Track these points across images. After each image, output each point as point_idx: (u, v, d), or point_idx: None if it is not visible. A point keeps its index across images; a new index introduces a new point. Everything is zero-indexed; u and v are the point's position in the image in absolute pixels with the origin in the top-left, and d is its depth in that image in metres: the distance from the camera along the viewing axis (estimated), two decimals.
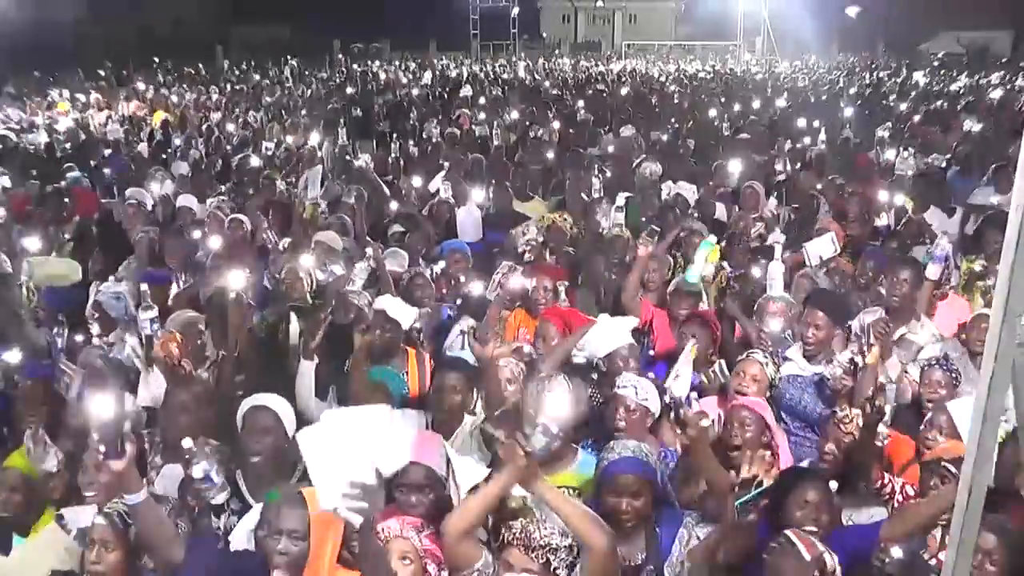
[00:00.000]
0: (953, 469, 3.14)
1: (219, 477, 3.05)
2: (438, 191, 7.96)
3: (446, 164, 9.27)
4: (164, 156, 11.37)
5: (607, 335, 4.15)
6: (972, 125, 12.27)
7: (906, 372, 4.31)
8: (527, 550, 2.59)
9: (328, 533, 2.67)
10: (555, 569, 2.58)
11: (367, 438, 2.34)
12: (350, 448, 2.31)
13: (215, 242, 6.01)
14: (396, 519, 2.78)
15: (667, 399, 3.61)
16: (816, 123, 12.20)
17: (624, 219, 6.71)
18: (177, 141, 12.51)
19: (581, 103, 15.97)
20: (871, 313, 4.81)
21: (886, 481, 3.45)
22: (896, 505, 3.40)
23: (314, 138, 11.08)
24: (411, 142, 11.72)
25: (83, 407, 3.92)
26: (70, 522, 3.09)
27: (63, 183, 9.09)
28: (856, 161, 9.91)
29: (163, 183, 8.70)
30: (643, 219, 7.09)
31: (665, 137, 11.75)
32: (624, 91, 19.07)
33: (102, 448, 2.56)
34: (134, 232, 6.86)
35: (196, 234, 6.70)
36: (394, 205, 7.62)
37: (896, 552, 2.84)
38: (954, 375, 4.02)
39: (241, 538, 2.94)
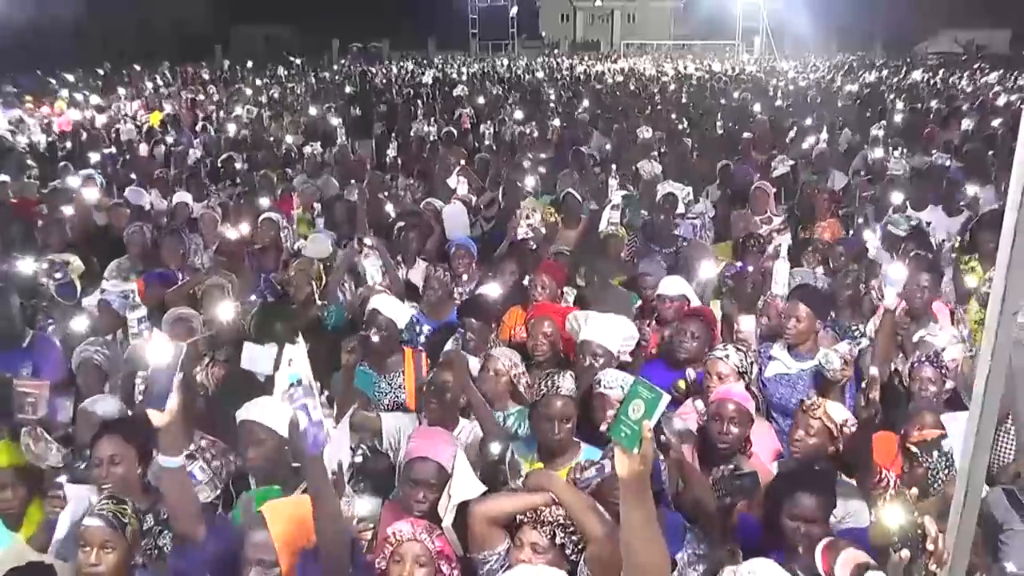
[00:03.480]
0: (917, 451, 3.23)
1: (204, 474, 3.00)
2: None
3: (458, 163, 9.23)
4: (163, 156, 11.36)
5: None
6: (970, 124, 12.30)
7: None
8: (536, 525, 2.67)
9: (298, 546, 2.68)
10: (562, 543, 2.66)
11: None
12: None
13: (232, 235, 6.06)
14: (407, 522, 2.76)
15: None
16: (816, 122, 12.23)
17: (621, 218, 6.70)
18: (170, 139, 12.52)
19: (583, 102, 15.99)
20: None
21: (882, 475, 3.45)
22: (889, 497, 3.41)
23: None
24: (410, 142, 11.73)
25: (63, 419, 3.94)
26: (69, 498, 3.02)
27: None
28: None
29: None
30: (641, 220, 7.12)
31: (663, 136, 11.77)
32: (625, 90, 19.10)
33: (144, 391, 2.44)
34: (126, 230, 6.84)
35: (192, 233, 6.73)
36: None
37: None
38: (943, 371, 4.04)
39: None
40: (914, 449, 3.21)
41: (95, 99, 18.46)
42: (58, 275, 5.27)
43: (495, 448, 3.41)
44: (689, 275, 5.34)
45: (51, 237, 6.71)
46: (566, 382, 3.41)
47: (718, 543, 2.84)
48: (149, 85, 22.00)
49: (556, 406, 3.35)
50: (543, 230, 6.16)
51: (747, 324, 4.62)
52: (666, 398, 2.00)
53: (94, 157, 10.66)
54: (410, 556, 2.66)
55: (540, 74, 27.24)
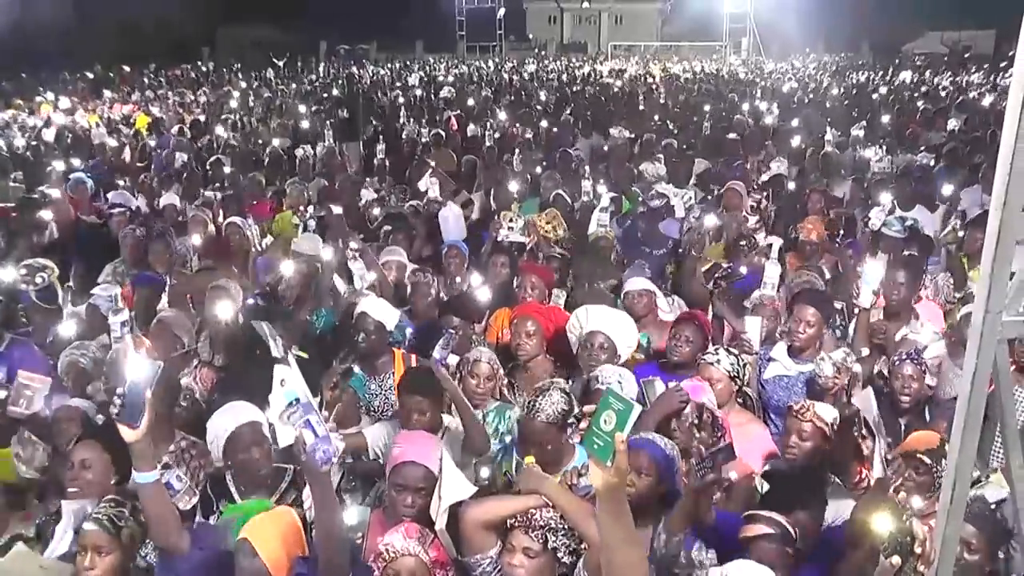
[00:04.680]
0: (928, 460, 3.19)
1: (181, 483, 2.99)
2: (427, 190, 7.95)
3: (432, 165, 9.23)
4: (149, 159, 11.29)
5: None
6: (956, 123, 12.38)
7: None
8: (528, 530, 2.66)
9: (289, 560, 2.69)
10: (554, 548, 2.66)
11: None
12: None
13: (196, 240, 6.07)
14: (398, 534, 2.71)
15: None
16: (804, 123, 12.29)
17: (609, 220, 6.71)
18: (151, 143, 12.45)
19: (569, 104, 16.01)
20: None
21: (863, 476, 3.46)
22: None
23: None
24: (398, 143, 11.71)
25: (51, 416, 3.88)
26: (64, 513, 2.99)
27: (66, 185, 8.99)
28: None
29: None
30: (628, 222, 7.11)
31: (652, 137, 11.79)
32: (613, 92, 19.13)
33: (119, 407, 2.44)
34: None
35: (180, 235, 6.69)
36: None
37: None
38: (923, 368, 4.05)
39: None
40: (927, 460, 3.19)
41: (67, 103, 18.27)
42: (39, 280, 5.22)
43: (484, 472, 3.42)
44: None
45: (31, 241, 6.68)
46: (549, 404, 3.26)
47: (676, 525, 2.85)
48: (136, 92, 21.82)
49: (535, 430, 3.29)
50: (523, 238, 6.16)
51: (752, 325, 4.58)
52: (637, 409, 1.97)
53: (76, 161, 10.59)
54: (405, 572, 2.63)
55: (526, 74, 27.26)
